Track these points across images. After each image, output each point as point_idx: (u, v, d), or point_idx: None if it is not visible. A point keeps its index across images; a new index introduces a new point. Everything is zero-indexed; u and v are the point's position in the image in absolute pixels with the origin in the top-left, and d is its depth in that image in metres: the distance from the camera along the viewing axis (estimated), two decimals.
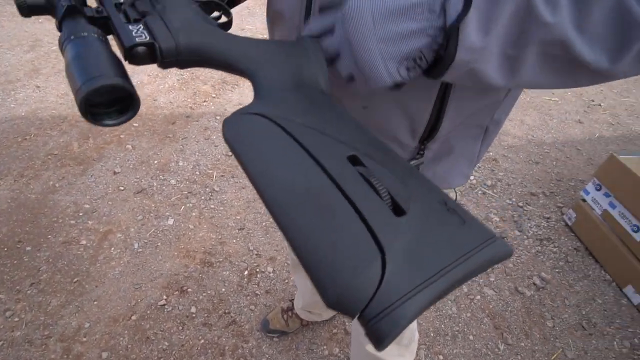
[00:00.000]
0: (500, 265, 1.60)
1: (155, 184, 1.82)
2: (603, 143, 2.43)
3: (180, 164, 1.94)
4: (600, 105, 2.79)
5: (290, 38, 0.52)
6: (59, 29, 0.33)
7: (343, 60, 0.35)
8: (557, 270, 1.60)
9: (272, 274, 1.50)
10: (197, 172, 1.90)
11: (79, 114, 0.33)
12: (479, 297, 1.48)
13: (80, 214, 1.65)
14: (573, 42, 0.30)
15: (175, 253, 1.54)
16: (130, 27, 0.33)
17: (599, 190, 1.63)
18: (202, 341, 1.29)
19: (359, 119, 0.51)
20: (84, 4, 0.36)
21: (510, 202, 1.91)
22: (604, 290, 1.53)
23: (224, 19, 0.44)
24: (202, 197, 1.78)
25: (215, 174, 1.90)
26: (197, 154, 2.01)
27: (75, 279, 1.43)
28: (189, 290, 1.43)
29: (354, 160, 0.28)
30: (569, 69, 0.33)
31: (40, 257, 1.48)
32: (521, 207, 1.89)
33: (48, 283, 1.41)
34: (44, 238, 1.55)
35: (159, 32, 0.33)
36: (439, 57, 0.32)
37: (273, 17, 0.56)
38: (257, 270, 1.51)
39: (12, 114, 2.13)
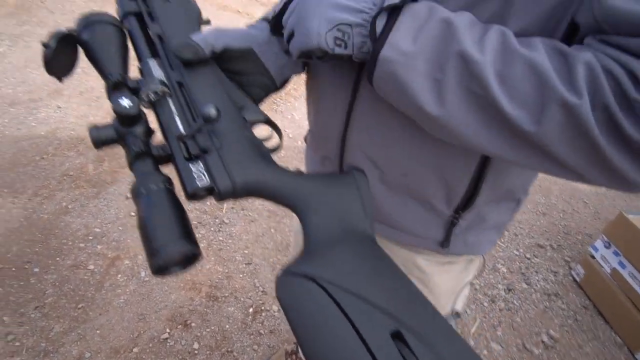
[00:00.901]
0: (508, 319, 1.58)
1: None
2: (610, 197, 2.45)
3: None
4: None
5: (330, 127, 0.54)
6: (131, 169, 0.37)
7: (291, 18, 0.41)
8: (565, 328, 1.57)
9: (277, 313, 1.48)
10: (208, 203, 1.92)
11: None
12: (485, 352, 1.45)
13: (90, 238, 1.66)
14: (492, 86, 0.32)
15: (182, 284, 1.53)
16: (191, 166, 0.37)
17: (608, 247, 1.63)
18: None
19: (399, 186, 0.53)
20: (150, 141, 0.40)
21: (518, 253, 1.91)
22: (615, 354, 1.50)
23: (275, 139, 0.47)
24: (212, 229, 1.78)
25: (226, 205, 1.91)
26: None
27: (80, 305, 1.41)
28: (193, 324, 1.41)
29: (397, 336, 0.29)
30: (495, 120, 0.34)
31: (47, 280, 1.47)
32: (529, 258, 1.89)
33: (53, 307, 1.39)
34: (53, 260, 1.55)
35: (217, 174, 0.36)
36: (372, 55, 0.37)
37: (314, 101, 0.59)
38: (263, 308, 1.50)
39: (32, 132, 2.17)
